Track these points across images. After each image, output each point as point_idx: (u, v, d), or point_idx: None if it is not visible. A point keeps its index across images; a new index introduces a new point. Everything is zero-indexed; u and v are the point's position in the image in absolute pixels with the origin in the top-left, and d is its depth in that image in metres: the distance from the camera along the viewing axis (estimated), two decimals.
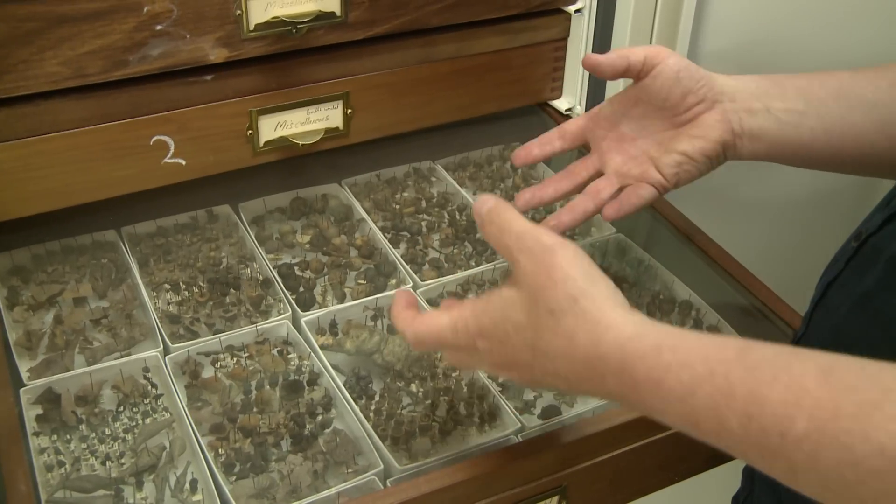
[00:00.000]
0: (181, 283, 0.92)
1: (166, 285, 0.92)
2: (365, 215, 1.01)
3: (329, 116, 0.97)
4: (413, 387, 0.84)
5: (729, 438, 0.44)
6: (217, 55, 0.87)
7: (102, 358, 0.83)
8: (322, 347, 0.85)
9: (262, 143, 0.94)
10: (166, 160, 0.91)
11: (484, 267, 0.96)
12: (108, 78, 0.83)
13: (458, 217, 1.03)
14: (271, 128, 0.94)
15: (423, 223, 1.03)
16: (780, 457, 0.41)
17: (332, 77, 0.95)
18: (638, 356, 0.47)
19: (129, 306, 0.89)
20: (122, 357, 0.83)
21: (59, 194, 0.87)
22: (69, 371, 0.81)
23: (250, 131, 0.93)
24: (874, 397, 0.39)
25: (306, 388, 0.82)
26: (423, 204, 1.06)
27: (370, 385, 0.84)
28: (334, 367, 0.84)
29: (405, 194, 1.07)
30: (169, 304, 0.90)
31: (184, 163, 0.92)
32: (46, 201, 0.87)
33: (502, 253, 0.55)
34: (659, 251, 0.99)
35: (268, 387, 0.82)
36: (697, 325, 0.90)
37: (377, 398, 0.82)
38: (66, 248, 0.95)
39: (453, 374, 0.85)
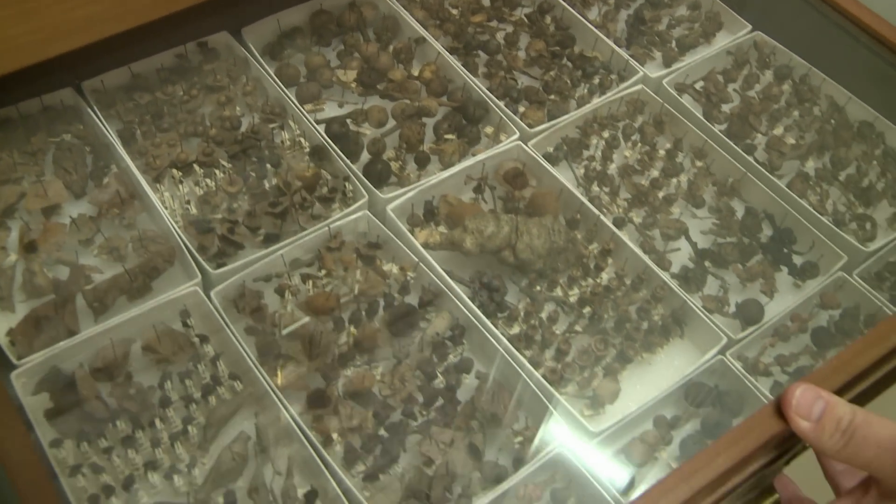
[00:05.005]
0: (195, 166, 0.63)
1: (173, 170, 0.63)
2: (423, 31, 0.72)
3: None
4: (559, 291, 0.61)
5: None
6: None
7: (114, 301, 0.57)
8: (426, 247, 0.60)
9: None
10: None
11: (605, 99, 0.70)
12: None
13: (542, 20, 0.75)
14: None
15: (500, 34, 0.75)
16: None
17: None
18: None
19: (127, 210, 0.61)
20: (144, 299, 0.57)
21: None
22: (74, 335, 0.54)
23: None
24: None
25: (419, 312, 0.58)
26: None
27: (506, 298, 0.60)
28: (449, 274, 0.59)
29: None
30: (187, 202, 0.62)
31: None
32: None
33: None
34: None
35: (365, 318, 0.58)
36: None
37: (522, 316, 0.59)
38: (4, 123, 0.64)
39: (608, 259, 0.62)
